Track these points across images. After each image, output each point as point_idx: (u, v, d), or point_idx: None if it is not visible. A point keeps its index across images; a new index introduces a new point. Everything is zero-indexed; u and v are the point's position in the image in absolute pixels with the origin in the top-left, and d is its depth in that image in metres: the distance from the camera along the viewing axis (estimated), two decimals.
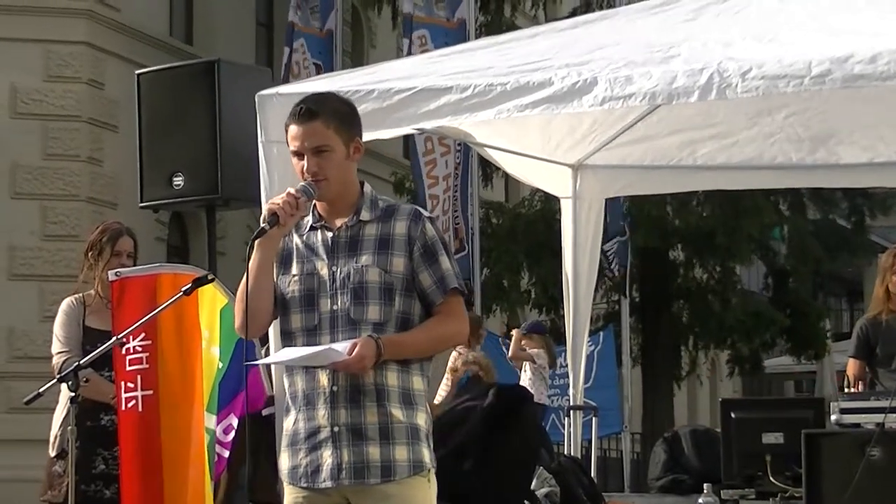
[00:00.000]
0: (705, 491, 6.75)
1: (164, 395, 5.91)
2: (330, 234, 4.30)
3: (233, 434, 5.88)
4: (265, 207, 4.30)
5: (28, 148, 15.85)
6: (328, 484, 4.18)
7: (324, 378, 4.20)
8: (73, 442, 5.60)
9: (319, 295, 4.26)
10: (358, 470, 4.16)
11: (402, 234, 4.26)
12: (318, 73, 12.25)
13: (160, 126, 9.02)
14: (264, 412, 6.00)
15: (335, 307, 4.23)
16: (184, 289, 5.58)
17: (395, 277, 4.22)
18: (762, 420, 7.01)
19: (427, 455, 4.25)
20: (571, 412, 9.01)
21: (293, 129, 4.29)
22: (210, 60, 9.25)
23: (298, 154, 4.28)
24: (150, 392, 5.90)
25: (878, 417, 6.30)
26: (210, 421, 5.85)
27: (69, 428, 6.20)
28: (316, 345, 4.21)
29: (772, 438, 6.85)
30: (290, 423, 4.29)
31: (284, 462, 4.30)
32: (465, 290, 4.33)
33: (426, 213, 4.35)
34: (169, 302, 5.63)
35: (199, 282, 5.63)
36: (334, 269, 4.25)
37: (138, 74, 9.32)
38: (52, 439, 6.27)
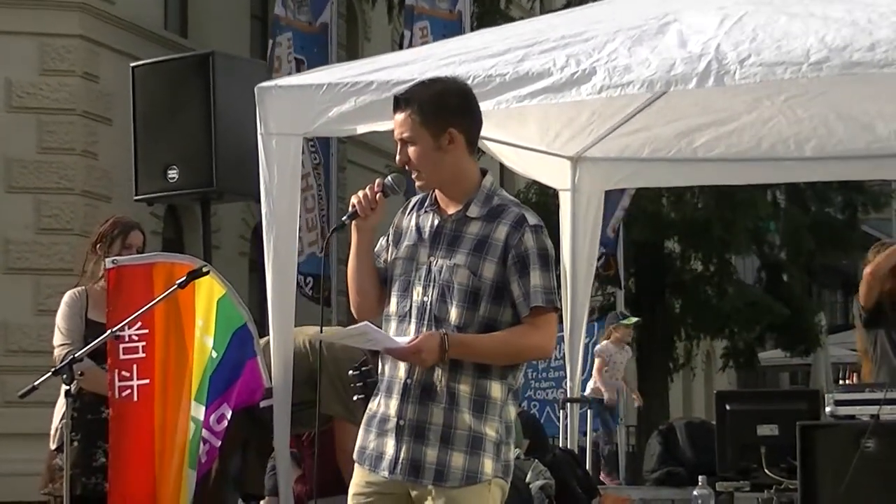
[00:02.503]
0: (700, 483, 6.75)
1: (161, 384, 5.91)
2: (437, 221, 4.27)
3: (225, 423, 5.88)
4: (351, 200, 4.28)
5: (22, 141, 15.83)
6: (385, 474, 4.17)
7: (402, 370, 4.18)
8: (68, 435, 5.61)
9: (414, 283, 4.22)
10: (413, 468, 4.13)
11: (501, 239, 4.17)
12: (299, 68, 12.19)
13: (155, 119, 9.00)
14: (262, 404, 6.00)
15: (425, 299, 4.19)
16: (178, 281, 5.59)
17: (484, 283, 4.15)
18: (757, 412, 7.02)
19: (490, 466, 4.14)
20: (567, 404, 9.01)
21: (392, 115, 4.29)
22: (205, 53, 9.23)
23: (395, 141, 4.29)
24: (147, 381, 5.89)
25: (873, 409, 6.30)
26: (198, 411, 5.84)
27: (63, 421, 6.22)
28: (404, 333, 4.19)
29: (767, 430, 6.85)
30: (374, 403, 4.29)
31: (358, 440, 4.31)
32: (556, 306, 4.21)
33: (532, 222, 4.21)
34: (164, 295, 5.63)
35: (194, 274, 5.64)
36: (432, 259, 4.22)
37: (133, 67, 9.31)
38: (52, 432, 6.27)
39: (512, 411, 4.29)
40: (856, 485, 5.98)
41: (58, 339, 6.31)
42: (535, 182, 14.95)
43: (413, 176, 4.26)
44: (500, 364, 4.19)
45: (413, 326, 4.18)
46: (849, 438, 6.16)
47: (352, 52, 20.70)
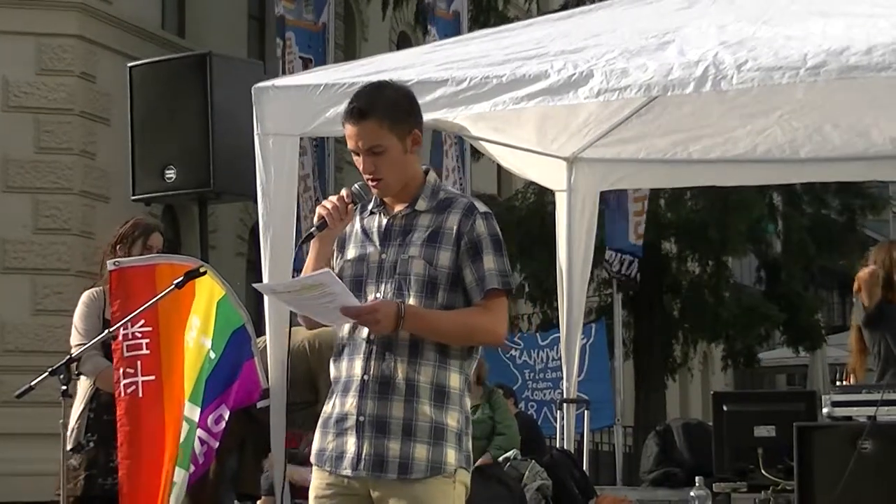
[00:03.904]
0: (697, 484, 6.76)
1: (168, 382, 5.90)
2: (385, 220, 4.26)
3: (223, 424, 5.88)
4: (316, 210, 4.24)
5: (20, 141, 15.83)
6: (348, 472, 4.15)
7: (358, 367, 4.17)
8: (65, 435, 5.60)
9: (367, 282, 4.22)
10: (377, 463, 4.12)
11: (453, 227, 4.19)
12: (305, 67, 12.23)
13: (152, 119, 9.01)
14: (259, 405, 6.00)
15: (378, 294, 4.18)
16: (176, 281, 5.59)
17: (440, 271, 4.16)
18: (754, 413, 7.02)
19: (453, 456, 4.17)
20: (564, 405, 9.01)
21: (347, 128, 4.20)
22: (202, 53, 9.25)
23: (355, 152, 4.22)
24: (153, 378, 5.88)
25: (870, 410, 6.31)
26: (192, 412, 5.84)
27: (78, 422, 6.22)
28: (360, 332, 4.16)
29: (764, 431, 6.86)
30: (328, 406, 4.26)
31: (315, 443, 4.28)
32: (511, 288, 4.24)
33: (481, 209, 4.25)
34: (161, 295, 5.64)
35: (192, 274, 5.64)
36: (384, 256, 4.21)
37: (130, 67, 9.31)
38: (69, 433, 6.26)
39: (468, 402, 4.30)
40: (852, 486, 5.98)
41: (75, 338, 6.31)
42: (532, 182, 14.96)
43: (374, 184, 4.22)
44: (452, 343, 4.18)
45: None
46: (846, 439, 6.16)
47: (349, 52, 20.71)
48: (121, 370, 5.90)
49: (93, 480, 6.18)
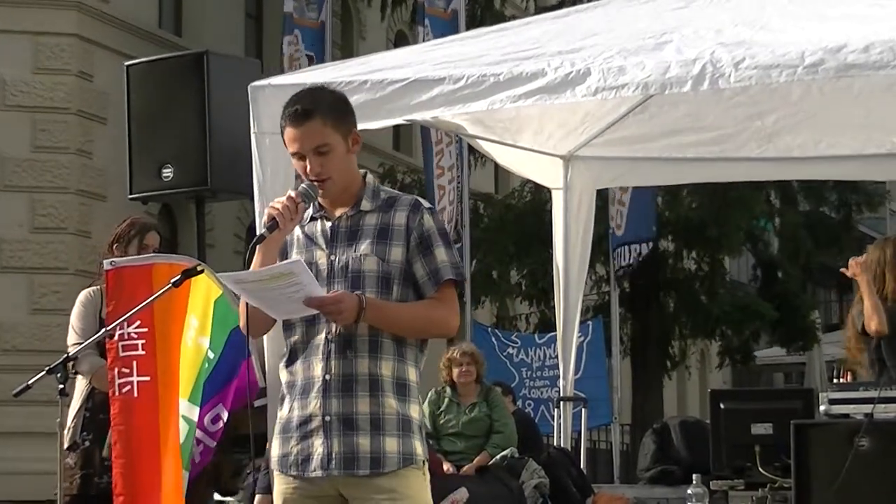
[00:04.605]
0: (694, 482, 6.77)
1: (163, 382, 5.91)
2: (329, 224, 4.27)
3: (221, 424, 5.88)
4: (265, 211, 4.23)
5: (17, 140, 15.81)
6: (318, 473, 4.14)
7: (318, 367, 4.17)
8: (62, 434, 5.60)
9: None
10: (348, 460, 4.12)
11: (402, 224, 4.22)
12: (310, 64, 12.26)
13: (149, 118, 9.02)
14: (256, 403, 6.00)
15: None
16: (173, 280, 5.58)
17: (394, 267, 4.19)
18: (751, 411, 7.03)
19: (419, 447, 4.21)
20: (561, 403, 9.02)
21: (290, 131, 4.22)
22: (199, 52, 9.26)
23: (299, 155, 4.22)
24: (148, 378, 5.88)
25: (867, 408, 6.32)
26: (192, 411, 5.84)
27: (73, 421, 6.22)
28: (316, 334, 4.17)
29: (761, 429, 6.86)
30: (284, 411, 4.25)
31: (275, 449, 4.27)
32: (461, 279, 4.28)
33: (426, 205, 4.31)
34: (158, 294, 5.62)
35: (189, 273, 5.63)
36: (333, 257, 4.22)
37: (127, 66, 9.33)
38: (66, 432, 6.26)
39: (420, 396, 4.35)
40: (849, 483, 5.99)
41: (72, 338, 6.31)
42: (529, 181, 14.97)
43: (319, 184, 4.22)
44: (408, 335, 4.22)
45: (324, 325, 4.17)
46: (843, 437, 6.17)
47: (346, 50, 20.70)
48: (116, 370, 5.89)
49: (89, 479, 6.18)
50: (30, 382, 5.52)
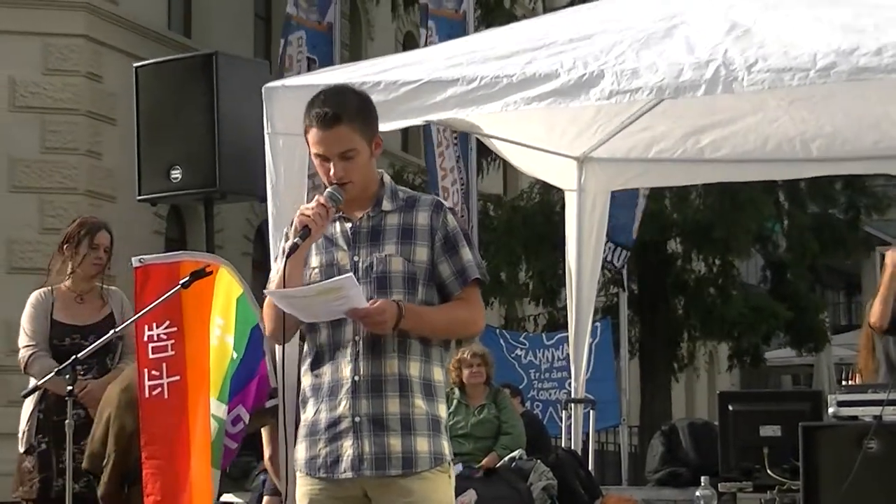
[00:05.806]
0: (703, 484, 6.76)
1: (193, 381, 5.88)
2: (349, 225, 4.26)
3: (241, 426, 5.85)
4: (295, 219, 4.21)
5: (26, 141, 15.85)
6: (349, 475, 4.13)
7: (346, 369, 4.16)
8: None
9: None
10: (379, 461, 4.11)
11: (425, 224, 4.22)
12: (311, 67, 12.23)
13: (158, 119, 9.03)
14: (268, 404, 6.00)
15: None
16: (182, 282, 5.59)
17: (419, 267, 4.19)
18: (760, 413, 7.02)
19: (447, 448, 4.21)
20: (570, 405, 9.02)
21: (317, 133, 4.20)
22: (208, 53, 9.27)
23: (323, 157, 4.21)
24: (178, 378, 5.85)
25: (876, 410, 6.30)
26: (220, 410, 5.82)
27: (28, 423, 6.20)
28: (342, 335, 4.16)
29: (769, 431, 6.85)
30: (310, 413, 4.23)
31: (301, 452, 4.24)
32: (486, 279, 4.29)
33: (447, 204, 4.33)
34: (166, 295, 5.62)
35: (197, 274, 5.64)
36: (356, 258, 4.21)
37: (136, 67, 9.33)
38: (20, 435, 6.24)
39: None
40: (858, 486, 5.98)
41: (22, 340, 6.30)
42: (538, 182, 14.96)
43: (343, 188, 4.21)
44: (439, 337, 4.24)
45: (350, 326, 4.16)
46: (851, 439, 6.16)
47: (355, 51, 20.71)
48: (145, 372, 5.85)
49: (48, 483, 6.16)
50: (38, 383, 5.54)
